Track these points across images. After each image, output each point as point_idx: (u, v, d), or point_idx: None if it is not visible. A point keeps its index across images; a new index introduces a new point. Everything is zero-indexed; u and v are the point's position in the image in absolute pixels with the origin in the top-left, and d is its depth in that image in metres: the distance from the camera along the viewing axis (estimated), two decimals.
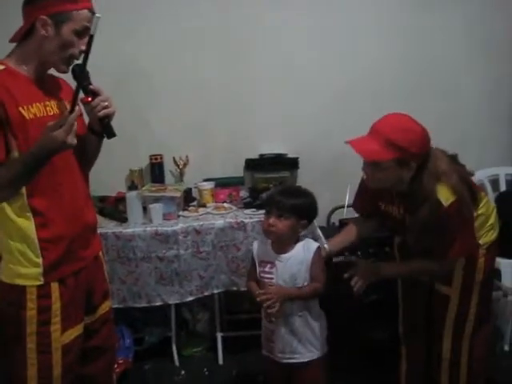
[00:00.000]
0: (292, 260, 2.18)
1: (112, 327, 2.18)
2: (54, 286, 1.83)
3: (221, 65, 3.39)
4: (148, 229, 2.86)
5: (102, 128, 1.88)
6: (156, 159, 3.37)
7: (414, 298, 2.40)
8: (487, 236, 2.20)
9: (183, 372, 3.09)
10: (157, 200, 2.97)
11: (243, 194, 3.32)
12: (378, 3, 3.45)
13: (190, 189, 3.31)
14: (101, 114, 1.84)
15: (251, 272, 2.32)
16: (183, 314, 3.34)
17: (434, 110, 3.40)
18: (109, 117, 1.86)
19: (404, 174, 2.01)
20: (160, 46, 3.32)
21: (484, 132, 3.61)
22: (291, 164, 3.38)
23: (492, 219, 2.23)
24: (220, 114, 3.44)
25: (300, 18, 3.39)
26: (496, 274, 2.78)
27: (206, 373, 3.09)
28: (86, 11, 1.76)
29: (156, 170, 3.38)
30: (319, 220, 2.95)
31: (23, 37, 1.78)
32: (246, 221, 2.93)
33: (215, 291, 3.01)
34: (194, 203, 3.24)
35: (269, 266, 2.22)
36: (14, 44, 1.81)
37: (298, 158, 3.38)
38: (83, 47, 1.73)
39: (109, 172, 3.08)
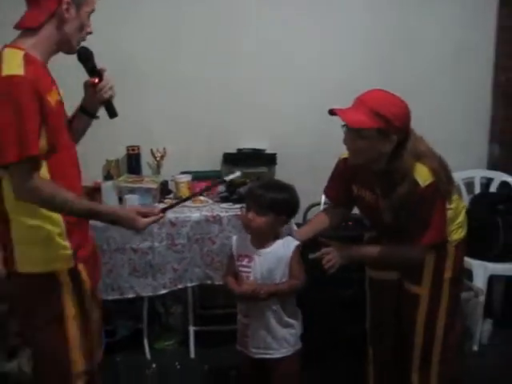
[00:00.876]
0: (271, 255, 2.18)
1: None
2: (81, 267, 1.85)
3: (201, 59, 3.37)
4: None
5: (106, 109, 1.92)
6: (133, 150, 3.34)
7: (382, 298, 2.39)
8: (456, 233, 2.22)
9: (154, 365, 3.07)
10: (133, 191, 2.96)
11: (220, 188, 3.30)
12: (368, 4, 3.49)
13: (167, 181, 3.29)
14: (107, 95, 1.89)
15: (229, 266, 2.31)
16: (156, 307, 3.32)
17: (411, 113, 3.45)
18: (112, 97, 1.92)
19: (384, 147, 2.00)
20: (141, 38, 3.28)
21: (460, 134, 3.63)
22: (269, 160, 3.38)
23: (461, 217, 2.24)
24: (199, 107, 3.41)
25: (283, 11, 3.40)
26: (466, 273, 2.81)
27: (178, 366, 3.07)
28: None
29: (133, 161, 3.35)
30: (296, 217, 2.95)
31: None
32: (222, 214, 2.92)
33: (189, 284, 3.00)
34: (171, 196, 3.22)
35: (246, 259, 2.21)
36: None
37: (275, 154, 3.39)
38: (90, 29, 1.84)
39: (85, 161, 3.02)
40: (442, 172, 2.04)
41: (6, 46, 1.73)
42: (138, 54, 3.28)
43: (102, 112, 1.99)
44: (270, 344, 2.23)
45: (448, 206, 2.13)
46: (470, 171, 3.62)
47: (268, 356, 2.24)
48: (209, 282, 2.98)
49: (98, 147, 3.19)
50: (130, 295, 2.92)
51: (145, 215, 1.85)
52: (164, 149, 3.36)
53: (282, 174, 3.32)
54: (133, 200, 2.89)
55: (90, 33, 1.84)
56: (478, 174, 3.64)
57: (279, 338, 2.23)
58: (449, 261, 2.20)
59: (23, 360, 2.63)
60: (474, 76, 3.66)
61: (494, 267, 3.15)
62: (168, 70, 3.35)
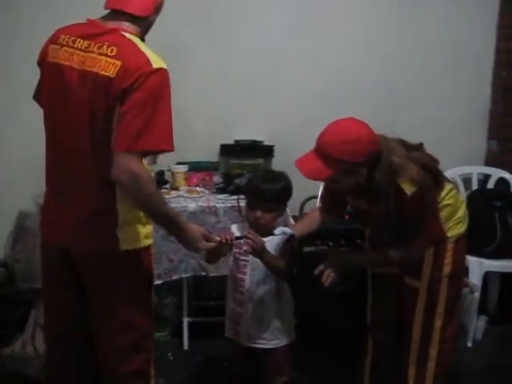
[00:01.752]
0: (269, 243, 2.18)
1: None
2: None
3: (199, 49, 3.35)
4: None
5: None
6: None
7: (383, 289, 2.41)
8: (455, 229, 2.21)
9: None
10: None
11: (216, 179, 3.29)
12: (368, 3, 3.49)
13: (163, 171, 3.27)
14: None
15: None
16: None
17: (410, 109, 3.48)
18: None
19: (357, 179, 2.00)
20: None
21: (459, 131, 3.62)
22: (266, 152, 3.36)
23: (461, 212, 2.24)
24: (197, 98, 3.38)
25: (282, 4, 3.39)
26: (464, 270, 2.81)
27: (171, 357, 3.07)
28: None
29: None
30: (292, 210, 2.95)
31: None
32: (219, 205, 2.91)
33: (184, 275, 2.98)
34: (167, 186, 3.20)
35: (245, 246, 2.20)
36: None
37: (273, 146, 3.36)
38: None
39: None
40: (425, 177, 2.00)
41: (121, 30, 1.72)
42: None
43: None
44: (262, 334, 2.23)
45: (442, 204, 2.13)
46: (468, 167, 3.62)
47: (260, 346, 2.25)
48: (203, 273, 2.97)
49: None
50: None
51: (207, 239, 1.92)
52: None
53: (278, 166, 3.30)
54: None
55: None
56: (476, 170, 3.63)
57: (271, 327, 2.23)
58: (448, 256, 2.19)
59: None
60: (473, 73, 3.64)
61: (490, 264, 3.14)
62: (166, 61, 3.31)
